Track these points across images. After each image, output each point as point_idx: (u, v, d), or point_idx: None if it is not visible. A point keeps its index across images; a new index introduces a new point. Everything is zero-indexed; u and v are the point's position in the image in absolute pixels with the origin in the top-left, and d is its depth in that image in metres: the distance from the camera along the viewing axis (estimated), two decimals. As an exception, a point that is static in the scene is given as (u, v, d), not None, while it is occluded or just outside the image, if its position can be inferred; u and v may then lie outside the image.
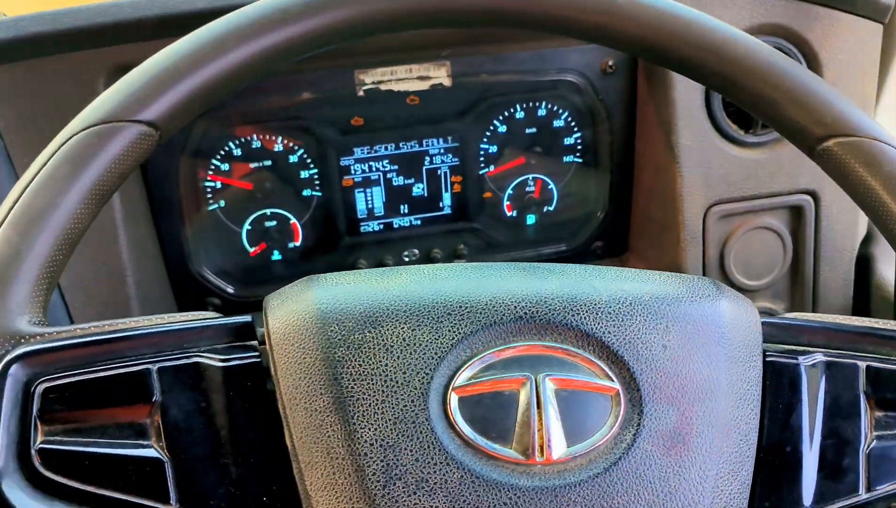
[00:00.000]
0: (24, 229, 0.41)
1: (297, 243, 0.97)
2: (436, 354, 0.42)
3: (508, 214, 1.01)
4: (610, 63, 0.93)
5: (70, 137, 0.43)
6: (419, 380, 0.41)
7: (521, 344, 0.43)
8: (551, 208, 1.02)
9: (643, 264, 1.01)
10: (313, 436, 0.38)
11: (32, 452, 0.37)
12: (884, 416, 0.45)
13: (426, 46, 0.88)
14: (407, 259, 1.00)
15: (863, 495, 0.44)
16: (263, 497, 0.41)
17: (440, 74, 0.90)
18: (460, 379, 0.42)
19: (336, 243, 0.97)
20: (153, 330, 0.42)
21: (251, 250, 0.96)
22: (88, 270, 0.78)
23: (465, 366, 0.42)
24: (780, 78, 0.49)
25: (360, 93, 0.89)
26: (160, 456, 0.39)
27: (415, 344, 0.42)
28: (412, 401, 0.41)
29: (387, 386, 0.41)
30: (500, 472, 0.40)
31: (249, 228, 0.95)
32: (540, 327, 0.43)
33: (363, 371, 0.41)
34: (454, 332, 0.43)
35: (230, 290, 0.96)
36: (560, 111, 0.96)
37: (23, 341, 0.39)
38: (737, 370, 0.43)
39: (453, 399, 0.41)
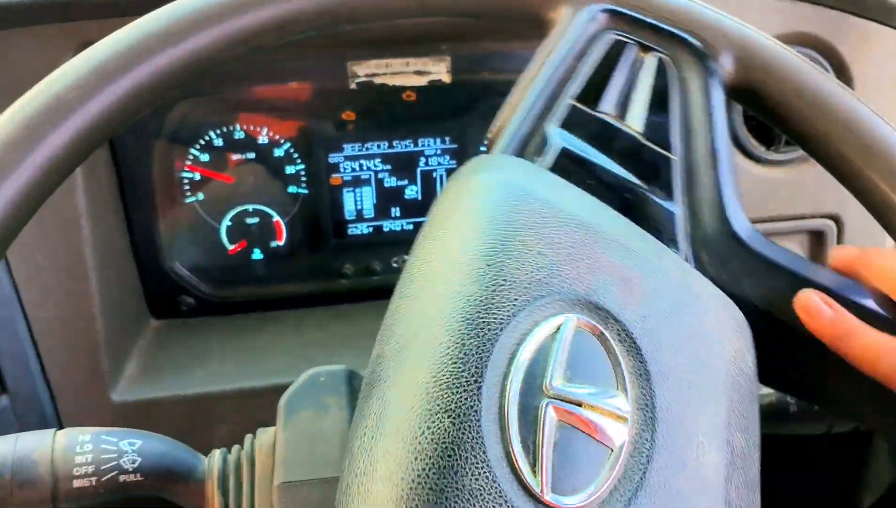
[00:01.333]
0: None
1: (281, 243, 0.91)
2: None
3: None
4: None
5: None
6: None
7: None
8: None
9: None
10: None
11: None
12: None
13: (425, 39, 0.82)
14: (396, 265, 0.94)
15: None
16: None
17: (439, 70, 0.83)
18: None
19: (321, 244, 0.91)
20: None
21: (230, 247, 0.90)
22: (47, 262, 0.73)
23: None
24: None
25: (353, 86, 0.83)
26: None
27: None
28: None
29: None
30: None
31: (229, 224, 0.89)
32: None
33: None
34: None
35: (205, 289, 0.90)
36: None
37: None
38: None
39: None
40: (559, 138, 0.42)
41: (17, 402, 0.71)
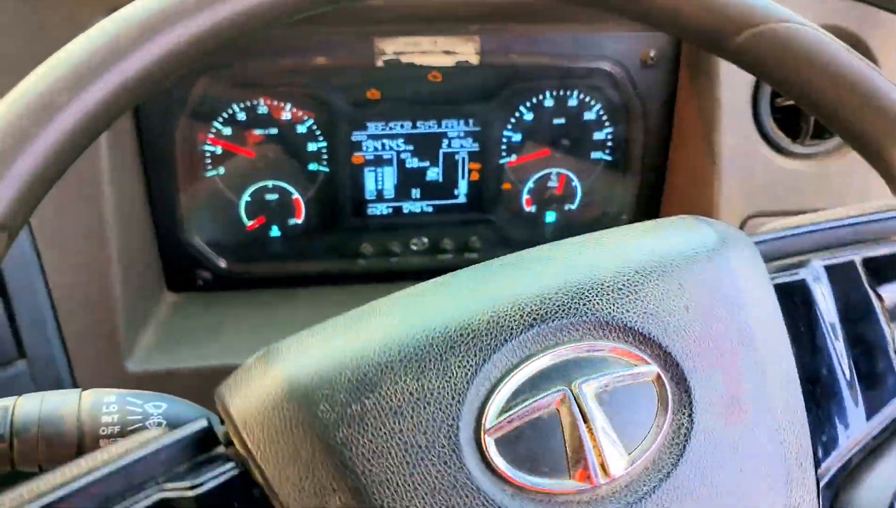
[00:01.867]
0: None
1: (299, 221, 0.90)
2: (453, 399, 0.34)
3: (527, 208, 0.94)
4: (651, 54, 0.85)
5: None
6: (444, 437, 0.34)
7: (541, 355, 0.36)
8: (573, 207, 0.95)
9: None
10: None
11: None
12: (894, 305, 0.43)
13: (454, 18, 0.81)
14: (415, 247, 0.93)
15: None
16: None
17: (467, 51, 0.83)
18: (489, 418, 0.35)
19: (340, 223, 0.90)
20: (95, 477, 0.33)
21: (248, 223, 0.89)
22: (68, 225, 0.72)
23: (490, 401, 0.35)
24: None
25: (379, 63, 0.82)
26: None
27: (426, 396, 0.34)
28: (444, 463, 0.33)
29: (409, 455, 0.33)
30: None
31: (248, 199, 0.88)
32: (555, 330, 0.36)
33: (376, 448, 0.33)
34: (465, 366, 0.35)
35: (222, 264, 0.89)
36: (592, 103, 0.89)
37: None
38: (758, 306, 0.39)
39: (490, 445, 0.34)
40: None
41: (35, 367, 0.71)
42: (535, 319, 0.36)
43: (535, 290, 0.37)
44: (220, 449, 0.35)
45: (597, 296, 0.36)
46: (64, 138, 0.34)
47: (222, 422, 0.35)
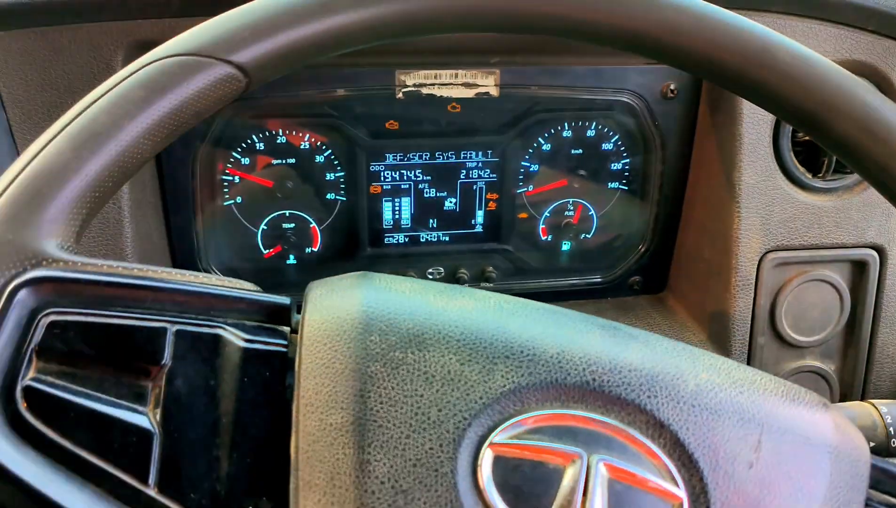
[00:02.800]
0: (80, 145, 0.36)
1: (315, 249, 0.90)
2: (480, 398, 0.35)
3: (543, 238, 0.94)
4: (672, 87, 0.85)
5: (150, 63, 0.39)
6: (454, 423, 0.34)
7: (580, 413, 0.36)
8: (589, 236, 0.94)
9: (683, 306, 0.94)
10: (321, 453, 0.33)
11: (18, 388, 0.32)
12: None
13: (475, 51, 0.81)
14: (431, 276, 0.93)
15: None
16: (249, 505, 0.35)
17: (488, 83, 0.82)
18: (501, 435, 0.35)
19: (356, 252, 0.90)
20: (182, 287, 0.36)
21: (265, 251, 0.89)
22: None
23: (511, 421, 0.35)
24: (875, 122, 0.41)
25: (399, 95, 0.82)
26: (150, 428, 0.34)
27: (460, 380, 0.35)
28: (440, 445, 0.34)
29: (416, 420, 0.34)
30: None
31: (266, 228, 0.88)
32: (607, 399, 0.36)
33: (394, 396, 0.34)
34: (507, 378, 0.36)
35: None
36: (611, 134, 0.89)
37: (44, 263, 0.34)
38: None
39: (487, 456, 0.34)
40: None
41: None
42: (596, 379, 0.36)
43: (617, 355, 0.36)
44: (286, 329, 0.37)
45: (668, 396, 0.36)
46: (325, 32, 0.41)
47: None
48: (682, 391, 0.36)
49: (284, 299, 0.38)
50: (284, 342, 0.37)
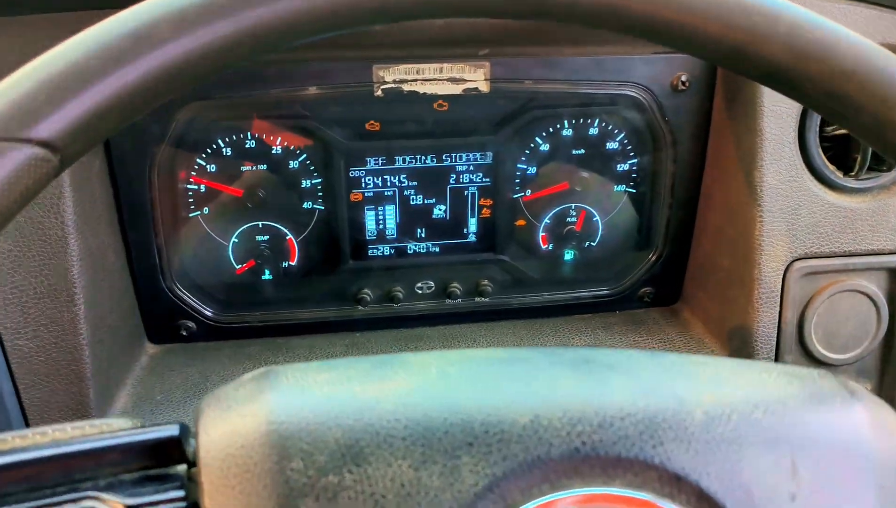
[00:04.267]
0: None
1: (293, 264, 0.82)
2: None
3: (543, 247, 0.85)
4: (683, 78, 0.76)
5: None
6: None
7: (578, 492, 0.29)
8: (593, 244, 0.86)
9: (699, 319, 0.85)
10: None
11: None
12: None
13: (461, 42, 0.73)
14: (420, 291, 0.85)
15: None
16: None
17: (476, 77, 0.74)
18: None
19: (338, 266, 0.82)
20: (28, 457, 0.28)
21: (238, 266, 0.81)
22: (28, 283, 0.64)
23: None
24: None
25: (378, 92, 0.74)
26: None
27: (419, 492, 0.28)
28: None
29: None
30: None
31: (237, 241, 0.80)
32: (606, 464, 0.29)
33: None
34: (478, 472, 0.29)
35: (208, 312, 0.81)
36: (615, 131, 0.81)
37: None
38: None
39: None
40: None
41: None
42: (585, 441, 0.29)
43: (602, 401, 0.30)
44: (181, 469, 0.30)
45: (676, 439, 0.28)
46: (149, 76, 0.31)
47: None
48: (689, 428, 0.29)
49: (171, 429, 0.30)
50: (181, 493, 0.29)
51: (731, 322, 0.79)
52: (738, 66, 0.35)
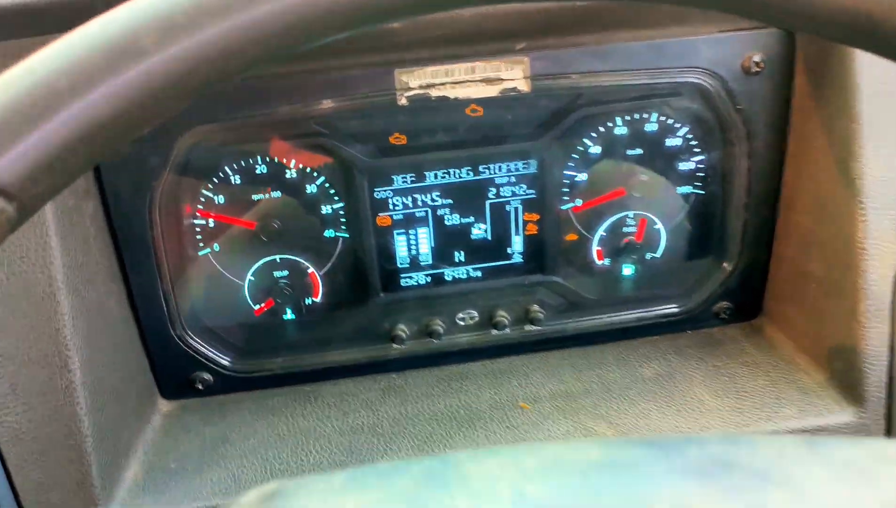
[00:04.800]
0: None
1: (317, 300, 0.73)
2: None
3: (599, 263, 0.75)
4: (756, 59, 0.65)
5: None
6: None
7: None
8: (657, 256, 0.75)
9: (787, 336, 0.74)
10: None
11: None
12: None
13: (495, 36, 0.63)
14: (462, 323, 0.75)
15: None
16: None
17: (514, 76, 0.64)
18: None
19: (368, 300, 0.73)
20: None
21: (255, 307, 0.72)
22: (16, 350, 0.56)
23: None
24: None
25: (403, 101, 0.64)
26: None
27: None
28: None
29: None
30: None
31: (253, 279, 0.71)
32: None
33: None
34: None
35: (225, 361, 0.72)
36: (677, 126, 0.70)
37: None
38: None
39: None
40: None
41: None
42: None
43: None
44: None
45: None
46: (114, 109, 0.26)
47: None
48: None
49: None
50: None
51: (830, 340, 0.67)
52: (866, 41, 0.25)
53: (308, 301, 0.73)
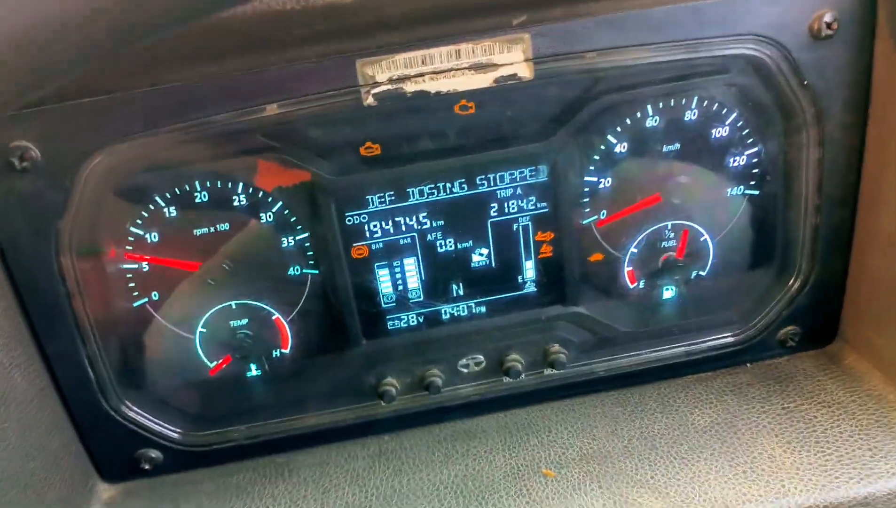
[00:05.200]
0: None
1: (286, 351, 0.60)
2: None
3: (632, 286, 0.62)
4: (827, 18, 0.51)
5: None
6: None
7: None
8: (704, 275, 0.62)
9: (872, 365, 0.61)
10: None
11: None
12: None
13: (484, 8, 0.48)
14: (465, 370, 0.61)
15: None
16: None
17: (512, 59, 0.50)
18: None
19: (347, 349, 0.59)
20: None
21: (210, 365, 0.59)
22: None
23: None
24: None
25: (369, 100, 0.50)
26: None
27: None
28: None
29: None
30: None
31: (205, 331, 0.59)
32: None
33: None
34: None
35: (175, 434, 0.60)
36: (725, 112, 0.56)
37: None
38: None
39: None
40: None
41: None
42: None
43: None
44: None
45: None
46: None
47: None
48: None
49: None
50: None
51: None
52: None
53: (275, 354, 0.61)
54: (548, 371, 0.62)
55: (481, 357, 0.61)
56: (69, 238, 0.51)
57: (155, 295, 0.57)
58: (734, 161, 0.58)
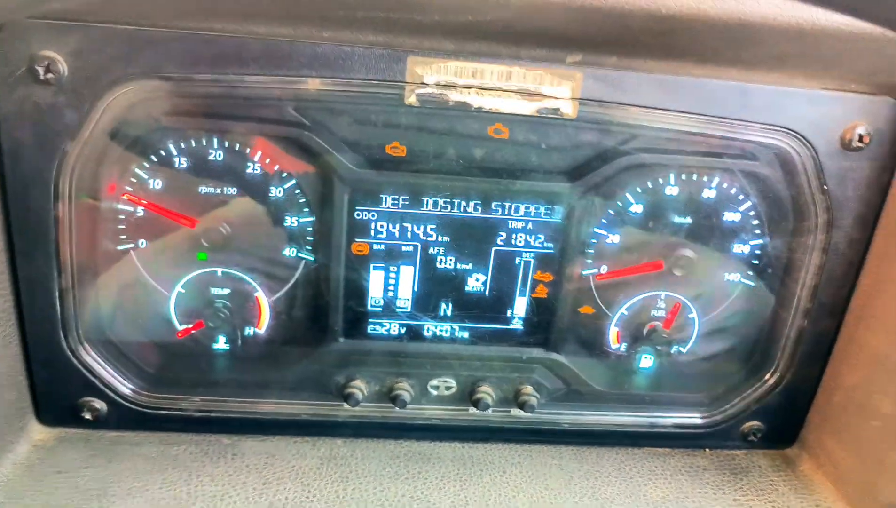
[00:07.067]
0: None
1: (260, 331, 0.58)
2: None
3: (614, 347, 0.61)
4: (861, 130, 0.52)
5: None
6: None
7: None
8: (684, 351, 0.62)
9: (826, 477, 0.61)
10: None
11: None
12: None
13: (543, 39, 0.49)
14: (435, 391, 0.60)
15: None
16: None
17: (560, 93, 0.50)
18: None
19: (322, 343, 0.58)
20: None
21: (179, 328, 0.57)
22: None
23: None
24: None
25: (411, 98, 0.50)
26: None
27: None
28: None
29: None
30: None
31: (183, 291, 0.57)
32: None
33: None
34: None
35: (127, 389, 0.57)
36: (741, 197, 0.56)
37: None
38: None
39: None
40: None
41: None
42: None
43: None
44: None
45: None
46: None
47: None
48: None
49: None
50: None
51: (889, 496, 0.53)
52: None
53: (248, 332, 0.59)
54: (515, 412, 0.61)
55: (453, 382, 0.60)
56: (73, 162, 0.49)
57: (142, 243, 0.55)
58: (739, 248, 0.59)
